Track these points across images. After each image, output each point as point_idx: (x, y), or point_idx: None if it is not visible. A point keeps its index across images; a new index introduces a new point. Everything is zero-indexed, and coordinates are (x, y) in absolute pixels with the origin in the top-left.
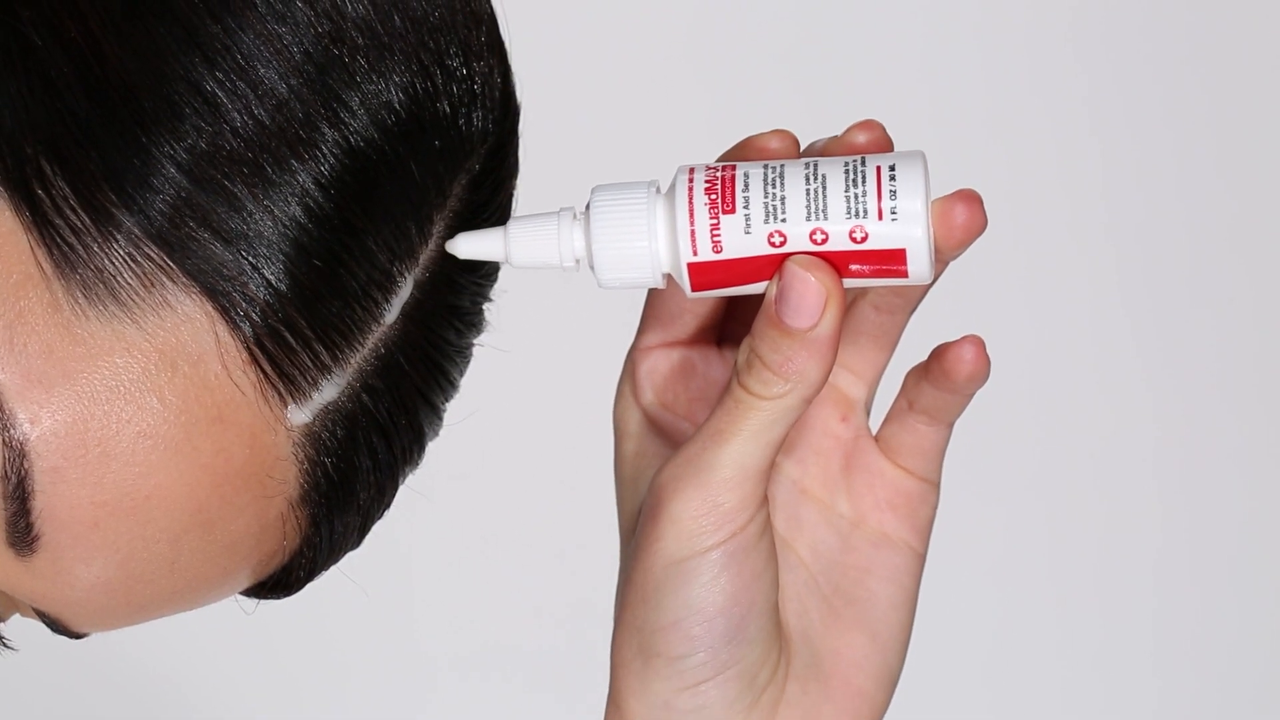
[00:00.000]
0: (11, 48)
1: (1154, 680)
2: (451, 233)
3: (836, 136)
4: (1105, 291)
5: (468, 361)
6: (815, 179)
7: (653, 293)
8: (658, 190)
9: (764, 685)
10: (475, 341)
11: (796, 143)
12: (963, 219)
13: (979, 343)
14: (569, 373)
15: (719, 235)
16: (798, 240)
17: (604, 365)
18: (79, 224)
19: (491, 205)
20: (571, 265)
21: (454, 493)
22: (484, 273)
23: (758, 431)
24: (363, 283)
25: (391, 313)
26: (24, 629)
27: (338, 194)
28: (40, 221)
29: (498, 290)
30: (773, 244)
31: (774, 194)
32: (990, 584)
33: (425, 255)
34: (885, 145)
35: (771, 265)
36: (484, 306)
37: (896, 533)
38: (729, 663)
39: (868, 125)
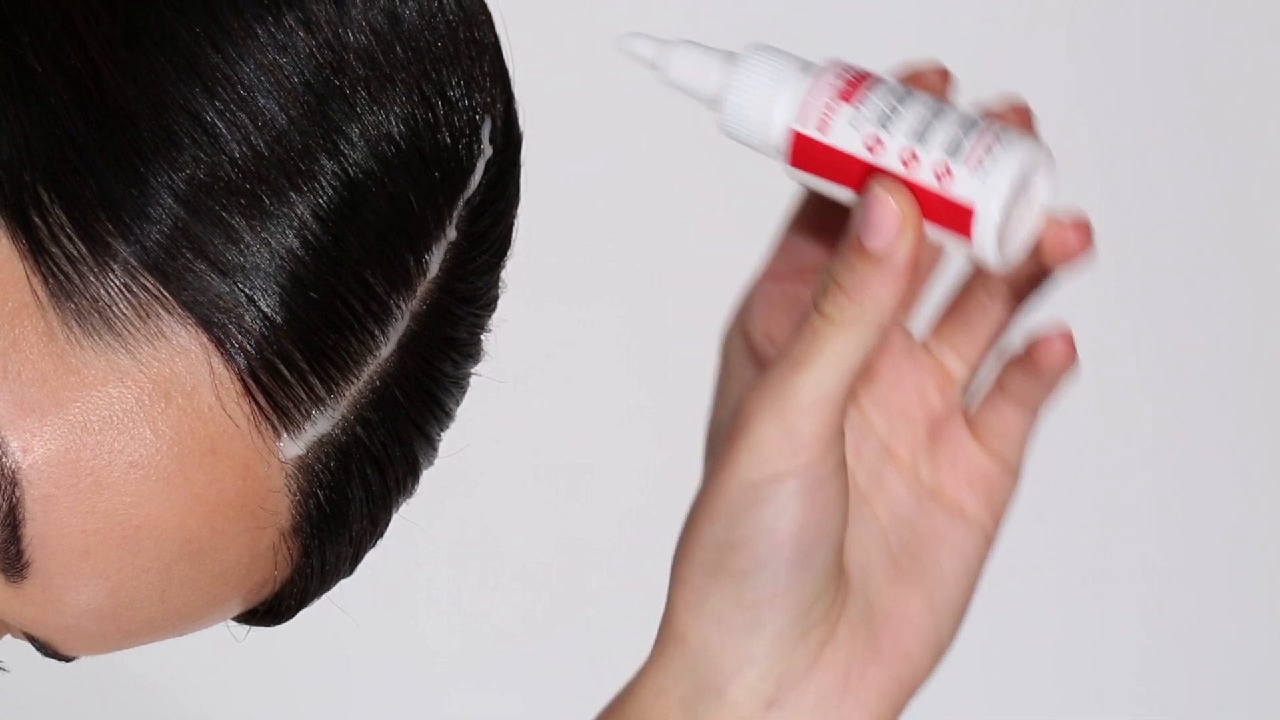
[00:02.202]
0: (11, 73)
1: (1147, 680)
2: (450, 263)
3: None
4: (1102, 292)
5: (464, 392)
6: (936, 111)
7: (784, 230)
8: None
9: (817, 620)
10: (472, 371)
11: (950, 85)
12: (1071, 242)
13: (1068, 337)
14: (570, 383)
15: (829, 117)
16: (890, 152)
17: (605, 374)
18: (75, 252)
19: (492, 236)
20: (709, 99)
21: (458, 490)
22: (482, 304)
23: (834, 359)
24: (359, 315)
25: (388, 345)
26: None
27: (335, 226)
28: (36, 249)
29: (496, 320)
30: (867, 147)
31: (893, 106)
32: (984, 585)
33: (423, 287)
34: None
35: (860, 172)
36: (482, 337)
37: (972, 509)
38: (789, 588)
39: (1020, 110)
